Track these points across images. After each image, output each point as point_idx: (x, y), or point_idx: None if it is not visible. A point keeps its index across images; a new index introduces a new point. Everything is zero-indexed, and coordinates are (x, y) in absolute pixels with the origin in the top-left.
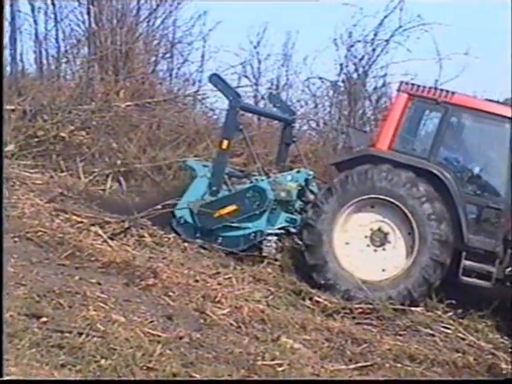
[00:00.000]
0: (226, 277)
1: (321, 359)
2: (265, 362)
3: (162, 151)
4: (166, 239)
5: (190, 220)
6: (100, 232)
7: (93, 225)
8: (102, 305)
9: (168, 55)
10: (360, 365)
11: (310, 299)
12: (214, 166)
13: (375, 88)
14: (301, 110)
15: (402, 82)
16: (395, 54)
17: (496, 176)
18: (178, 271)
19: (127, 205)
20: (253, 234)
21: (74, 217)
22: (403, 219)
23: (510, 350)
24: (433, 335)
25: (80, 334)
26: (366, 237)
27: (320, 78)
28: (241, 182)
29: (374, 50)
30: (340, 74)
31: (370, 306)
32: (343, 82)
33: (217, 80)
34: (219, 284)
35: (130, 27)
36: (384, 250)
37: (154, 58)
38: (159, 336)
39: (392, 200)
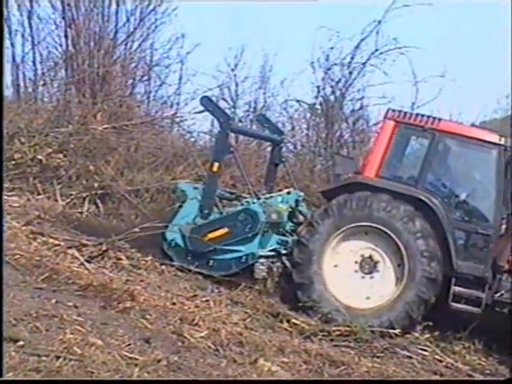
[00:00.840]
0: (204, 299)
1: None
2: None
3: (139, 174)
4: (143, 262)
5: (181, 243)
6: (77, 255)
7: (70, 248)
8: (79, 328)
9: (145, 78)
10: None
11: (288, 321)
12: (204, 189)
13: (352, 110)
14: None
15: (388, 110)
16: (372, 76)
17: (484, 201)
18: (155, 294)
19: (105, 227)
20: (244, 257)
21: (51, 240)
22: (395, 251)
23: (487, 371)
24: (410, 357)
25: (57, 357)
26: (355, 262)
27: (297, 101)
28: (231, 204)
29: (350, 72)
30: (317, 96)
31: (348, 329)
32: (320, 104)
33: (207, 102)
34: (197, 306)
35: (107, 50)
36: (372, 278)
37: (131, 81)
38: (137, 359)
39: (388, 231)
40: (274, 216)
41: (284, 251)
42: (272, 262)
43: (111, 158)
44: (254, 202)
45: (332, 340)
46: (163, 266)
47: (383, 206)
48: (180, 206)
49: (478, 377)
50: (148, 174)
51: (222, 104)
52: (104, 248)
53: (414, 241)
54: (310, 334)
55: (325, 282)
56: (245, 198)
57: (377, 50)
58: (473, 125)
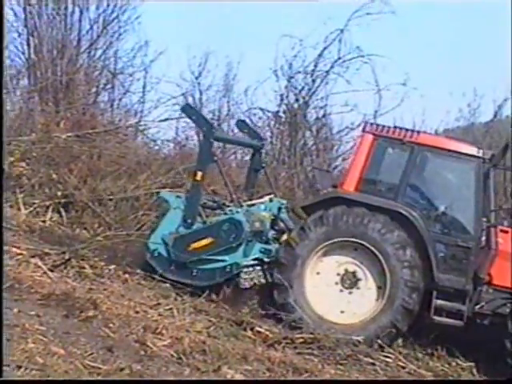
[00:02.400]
0: (167, 308)
1: None
2: None
3: (102, 182)
4: (106, 270)
5: (164, 253)
6: (40, 264)
7: (32, 256)
8: (41, 337)
9: (109, 86)
10: None
11: (252, 330)
12: (188, 198)
13: (316, 118)
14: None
15: (366, 123)
16: (335, 85)
17: (463, 214)
18: (118, 302)
19: (68, 236)
20: (229, 267)
21: (14, 249)
22: (376, 263)
23: (449, 377)
24: (373, 364)
25: (19, 367)
26: (336, 283)
27: (261, 109)
28: (215, 212)
29: (314, 80)
30: (281, 104)
31: (312, 336)
32: (284, 112)
33: (190, 111)
34: (160, 315)
35: (70, 58)
36: (357, 289)
37: (95, 89)
38: (99, 368)
39: (366, 244)
40: (258, 224)
41: (267, 259)
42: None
43: (74, 166)
44: (237, 211)
45: (295, 348)
46: (126, 275)
47: (359, 219)
48: (158, 216)
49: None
50: (111, 182)
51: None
52: (67, 257)
53: (394, 251)
54: (273, 342)
55: (304, 288)
56: (228, 206)
57: (340, 59)
58: (450, 137)
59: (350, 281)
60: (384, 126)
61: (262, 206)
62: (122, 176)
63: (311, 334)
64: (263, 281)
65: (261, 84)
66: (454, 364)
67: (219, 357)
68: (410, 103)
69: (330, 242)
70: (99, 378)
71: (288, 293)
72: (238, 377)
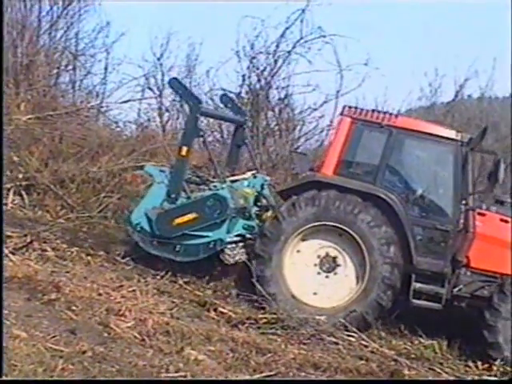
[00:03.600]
0: (130, 289)
1: (225, 370)
2: (169, 375)
3: (64, 164)
4: (68, 253)
5: (147, 227)
6: None
7: None
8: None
9: (70, 67)
10: (264, 374)
11: (215, 310)
12: (172, 173)
13: (278, 99)
14: (204, 121)
15: (344, 106)
16: (297, 65)
17: (442, 197)
18: (81, 285)
19: (30, 219)
20: (212, 243)
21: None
22: (353, 244)
23: (412, 355)
24: (336, 343)
25: None
26: (315, 264)
27: (223, 90)
28: (199, 188)
29: (276, 61)
30: (243, 85)
31: (275, 316)
32: (246, 93)
33: (177, 85)
34: (123, 297)
35: (30, 39)
36: (334, 275)
37: (55, 71)
38: (61, 351)
39: (341, 226)
40: (242, 201)
41: (249, 236)
42: (244, 247)
43: (35, 148)
44: (222, 188)
45: (259, 328)
46: (89, 257)
47: (331, 201)
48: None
49: (404, 361)
50: (73, 164)
51: (148, 93)
52: (29, 239)
53: (369, 230)
54: (236, 323)
55: (284, 277)
56: (212, 182)
57: (301, 39)
58: (428, 120)
59: (328, 265)
60: (362, 110)
61: (246, 183)
62: (83, 158)
63: (274, 314)
64: (245, 257)
65: (223, 65)
66: (416, 342)
67: (183, 338)
68: (372, 83)
69: (316, 223)
70: (61, 360)
71: (266, 266)
72: (202, 358)
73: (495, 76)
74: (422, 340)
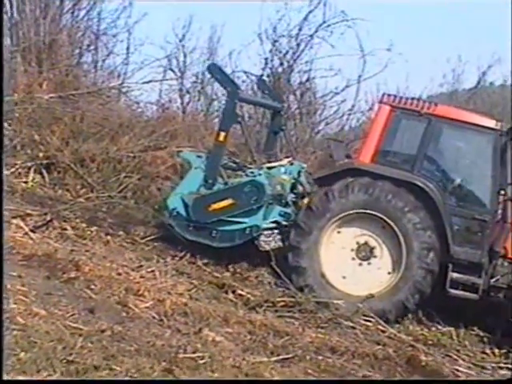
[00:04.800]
0: (149, 270)
1: (243, 352)
2: (186, 355)
3: (85, 144)
4: (88, 232)
5: (183, 213)
6: (22, 224)
7: (14, 217)
8: (22, 298)
9: (92, 47)
10: (281, 357)
11: (233, 292)
12: (209, 159)
13: (300, 83)
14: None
15: (384, 94)
16: (319, 49)
17: (480, 187)
18: (100, 264)
19: (50, 197)
20: (248, 229)
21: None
22: (388, 231)
23: (429, 342)
24: (354, 328)
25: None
26: (352, 249)
27: (245, 72)
28: (236, 174)
29: (298, 44)
30: (265, 68)
31: (293, 300)
32: (268, 76)
33: (215, 70)
34: (142, 277)
35: (53, 18)
36: (370, 263)
37: (78, 50)
38: (80, 329)
39: (375, 213)
40: (278, 188)
41: (285, 223)
42: (280, 234)
43: (57, 127)
44: (259, 174)
45: (276, 311)
46: (108, 237)
47: (364, 189)
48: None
49: (421, 347)
50: (94, 144)
51: (170, 75)
52: (49, 218)
53: (404, 215)
54: (254, 305)
55: (321, 266)
56: (249, 168)
57: (324, 22)
58: (468, 109)
59: (365, 252)
60: (401, 98)
61: (283, 169)
62: (104, 138)
63: (292, 297)
64: (281, 244)
65: (245, 47)
66: (433, 329)
67: (200, 319)
68: (394, 69)
69: (339, 216)
70: (80, 338)
71: (306, 275)
72: (219, 339)
73: None
74: (439, 326)
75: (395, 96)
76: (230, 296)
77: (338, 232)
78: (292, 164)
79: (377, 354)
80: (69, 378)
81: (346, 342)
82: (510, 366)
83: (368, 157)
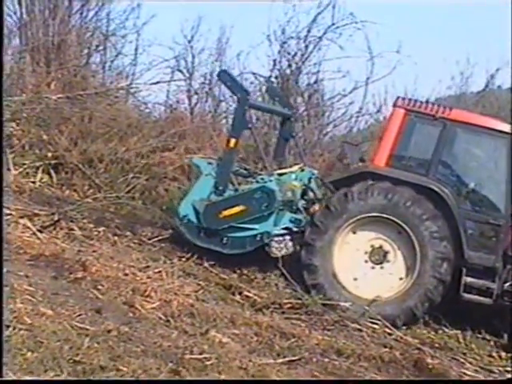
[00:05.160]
0: (156, 270)
1: (249, 353)
2: (193, 356)
3: (93, 144)
4: (95, 232)
5: (194, 219)
6: (29, 224)
7: (22, 217)
8: (29, 298)
9: (101, 48)
10: (288, 359)
11: (240, 294)
12: (220, 165)
13: (308, 84)
14: (233, 105)
15: (398, 98)
16: (328, 51)
17: (494, 191)
18: (107, 264)
19: (57, 197)
20: (259, 236)
21: (3, 209)
22: (404, 237)
23: (436, 345)
24: (360, 330)
25: (7, 326)
26: (365, 252)
27: (253, 74)
28: (246, 180)
29: (306, 46)
30: (273, 69)
31: (299, 302)
32: (276, 77)
33: (226, 77)
34: (149, 278)
35: (62, 18)
36: (383, 268)
37: (86, 51)
38: (87, 329)
39: (393, 218)
40: (289, 194)
41: (296, 229)
42: (291, 240)
43: (65, 127)
44: (270, 180)
45: (283, 313)
46: (116, 237)
47: (385, 194)
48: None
49: (428, 350)
50: (102, 144)
51: (178, 75)
52: (56, 218)
53: (422, 223)
54: (261, 307)
55: (333, 266)
56: (259, 174)
57: (333, 24)
58: (482, 113)
59: (378, 256)
60: (416, 101)
61: (293, 176)
62: (112, 138)
63: (299, 299)
64: (292, 250)
65: (253, 48)
66: (440, 332)
67: (207, 320)
68: (403, 71)
69: (345, 224)
70: (87, 339)
71: (318, 273)
72: (226, 340)
73: None
74: (446, 330)
75: (410, 99)
76: (237, 297)
77: (354, 233)
78: (303, 170)
79: (383, 357)
80: (75, 378)
81: (353, 345)
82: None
83: (383, 160)
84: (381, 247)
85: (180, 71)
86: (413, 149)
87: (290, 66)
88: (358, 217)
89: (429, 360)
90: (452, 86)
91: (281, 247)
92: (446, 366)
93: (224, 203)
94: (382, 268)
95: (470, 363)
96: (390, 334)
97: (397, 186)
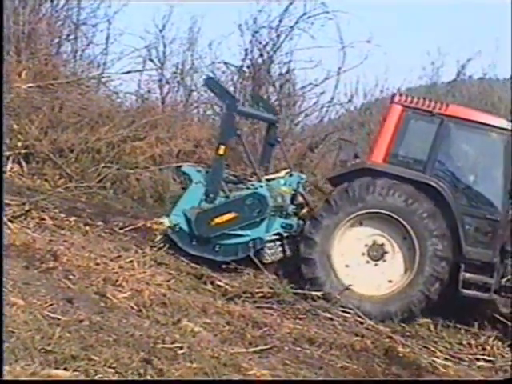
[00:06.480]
0: (128, 260)
1: (221, 342)
2: (165, 345)
3: (64, 133)
4: (66, 222)
5: (185, 228)
6: None
7: None
8: None
9: (72, 37)
10: (260, 348)
11: (212, 283)
12: (210, 173)
13: (280, 74)
14: (205, 94)
15: (395, 94)
16: (300, 40)
17: (492, 187)
18: (78, 254)
19: (28, 187)
20: (252, 242)
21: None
22: (403, 234)
23: (406, 333)
24: (332, 319)
25: None
26: (363, 251)
27: (225, 63)
28: (237, 187)
29: (278, 36)
30: (245, 59)
31: (271, 291)
32: (248, 67)
33: (213, 84)
34: (120, 267)
35: (32, 7)
36: (382, 264)
37: (57, 40)
38: (59, 319)
39: (393, 215)
40: (279, 199)
41: (286, 234)
42: (282, 246)
43: (35, 117)
44: (261, 186)
45: (255, 302)
46: (87, 227)
47: (385, 190)
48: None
49: (399, 338)
50: (72, 133)
51: (149, 65)
52: (27, 208)
53: (421, 221)
54: (233, 296)
55: (336, 273)
56: (249, 180)
57: (305, 14)
58: (479, 109)
59: (376, 252)
60: (413, 97)
61: (282, 181)
62: (83, 128)
63: (271, 288)
64: (282, 255)
65: (225, 38)
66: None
67: (179, 309)
68: (374, 61)
69: (345, 220)
70: (59, 328)
71: (316, 267)
72: (198, 329)
73: (497, 57)
74: (417, 318)
75: (407, 96)
76: (209, 287)
77: (353, 229)
78: (291, 175)
79: (354, 346)
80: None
81: (324, 334)
82: (486, 357)
83: (380, 156)
84: (379, 243)
85: (151, 61)
86: (410, 145)
87: (261, 55)
88: (358, 213)
89: (400, 348)
90: (423, 76)
91: (273, 253)
92: (416, 355)
93: (215, 210)
94: (380, 264)
95: (441, 351)
96: (361, 323)
97: (395, 182)
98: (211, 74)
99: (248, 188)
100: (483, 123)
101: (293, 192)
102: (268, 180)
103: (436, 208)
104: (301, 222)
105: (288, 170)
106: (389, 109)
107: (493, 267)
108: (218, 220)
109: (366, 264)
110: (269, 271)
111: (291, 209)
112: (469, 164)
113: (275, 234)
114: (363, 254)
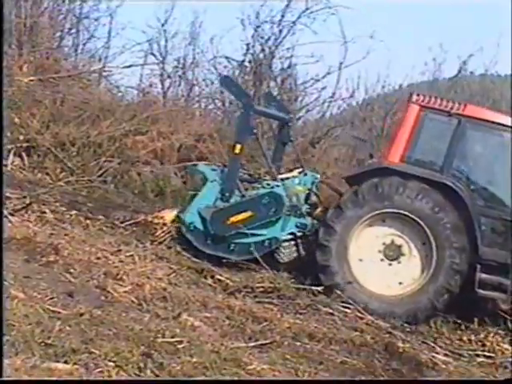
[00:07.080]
0: (128, 254)
1: (221, 337)
2: (165, 339)
3: (65, 127)
4: (67, 216)
5: (200, 227)
6: None
7: None
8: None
9: (74, 30)
10: (259, 343)
11: (212, 277)
12: (227, 172)
13: (281, 69)
14: (206, 89)
15: (412, 93)
16: (301, 35)
17: (507, 188)
18: (79, 248)
19: (29, 181)
20: (267, 242)
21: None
22: (423, 239)
23: (406, 329)
24: (332, 314)
25: None
26: (379, 251)
27: (226, 58)
28: (252, 186)
29: (280, 31)
30: (246, 54)
31: (272, 285)
32: (249, 62)
33: (230, 83)
34: (121, 261)
35: (34, 1)
36: (399, 263)
37: (59, 33)
38: (59, 312)
39: (405, 212)
40: (294, 199)
41: (300, 234)
42: (296, 245)
43: (37, 110)
44: (277, 185)
45: (255, 296)
46: (88, 221)
47: (395, 188)
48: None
49: (398, 334)
50: (74, 127)
51: (151, 59)
52: (28, 201)
53: (434, 215)
54: (233, 291)
55: (354, 277)
56: (264, 179)
57: (307, 9)
58: (497, 109)
59: (393, 252)
60: (431, 97)
61: (296, 180)
62: (84, 122)
63: (271, 282)
64: (296, 255)
65: (227, 32)
66: None
67: (179, 304)
68: (376, 56)
69: (368, 216)
70: (59, 322)
71: (334, 273)
72: (198, 324)
73: (499, 54)
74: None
75: (424, 95)
76: (209, 281)
77: (374, 226)
78: (306, 174)
79: (354, 341)
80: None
81: (324, 329)
82: (486, 353)
83: (397, 156)
84: (399, 246)
85: (153, 55)
86: (427, 145)
87: (263, 50)
88: (370, 214)
89: (400, 344)
90: (425, 72)
91: (289, 252)
92: (416, 350)
93: (231, 209)
94: (398, 263)
95: (441, 347)
96: (361, 318)
97: (425, 187)
98: (213, 69)
99: (264, 187)
100: (501, 124)
101: (307, 191)
102: (282, 179)
103: (448, 202)
104: (315, 222)
105: (301, 169)
106: (406, 108)
107: (509, 268)
108: (233, 219)
109: (379, 262)
110: (284, 271)
111: (305, 208)
112: (486, 164)
113: (289, 234)
114: (379, 252)
